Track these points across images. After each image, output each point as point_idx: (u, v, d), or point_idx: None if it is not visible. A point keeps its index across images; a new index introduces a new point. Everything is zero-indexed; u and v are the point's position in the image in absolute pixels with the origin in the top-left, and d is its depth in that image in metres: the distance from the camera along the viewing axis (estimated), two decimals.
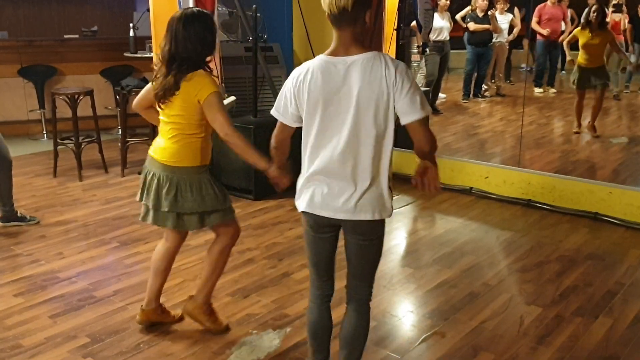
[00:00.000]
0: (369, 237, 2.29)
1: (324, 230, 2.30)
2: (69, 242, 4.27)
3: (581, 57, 6.54)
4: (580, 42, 6.46)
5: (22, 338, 3.03)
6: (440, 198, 5.19)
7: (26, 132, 7.37)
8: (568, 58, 6.88)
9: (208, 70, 2.80)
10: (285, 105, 2.26)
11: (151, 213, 2.91)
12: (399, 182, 5.54)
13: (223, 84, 5.10)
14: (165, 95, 2.73)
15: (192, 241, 4.24)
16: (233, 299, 3.44)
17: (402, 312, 3.35)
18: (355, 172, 2.17)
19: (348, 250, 2.34)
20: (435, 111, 7.62)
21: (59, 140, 5.77)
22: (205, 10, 2.82)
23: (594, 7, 6.57)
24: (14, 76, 7.17)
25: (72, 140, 5.73)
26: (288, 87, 2.24)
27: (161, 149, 2.84)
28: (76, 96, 5.63)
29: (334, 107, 2.15)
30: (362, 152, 2.16)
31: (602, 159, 6.25)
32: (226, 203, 2.92)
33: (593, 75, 6.48)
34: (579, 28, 6.50)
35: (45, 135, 7.34)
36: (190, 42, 2.68)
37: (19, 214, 4.57)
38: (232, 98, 4.26)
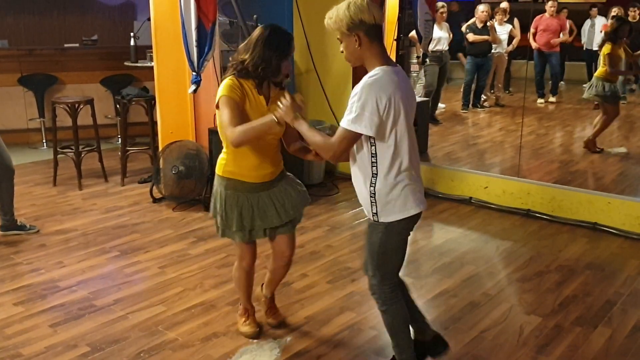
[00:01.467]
0: None
1: None
2: (69, 251, 4.27)
3: (613, 73, 6.32)
4: (611, 56, 6.23)
5: (22, 347, 3.02)
6: (439, 208, 5.20)
7: (26, 140, 7.39)
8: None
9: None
10: (371, 119, 2.30)
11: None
12: None
13: None
14: None
15: (193, 250, 4.25)
16: (233, 308, 3.43)
17: None
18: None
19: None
20: (435, 121, 7.65)
21: (59, 149, 5.78)
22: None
23: (618, 21, 6.52)
24: (14, 85, 7.19)
25: (72, 149, 5.74)
26: (381, 100, 2.29)
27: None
28: (77, 105, 5.64)
29: (410, 114, 2.42)
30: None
31: (601, 170, 6.27)
32: (228, 225, 2.86)
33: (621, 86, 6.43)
34: (611, 42, 6.22)
35: (45, 144, 7.35)
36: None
37: (18, 223, 4.57)
38: None
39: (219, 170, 2.84)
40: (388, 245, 2.50)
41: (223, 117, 2.64)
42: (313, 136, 2.46)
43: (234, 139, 2.59)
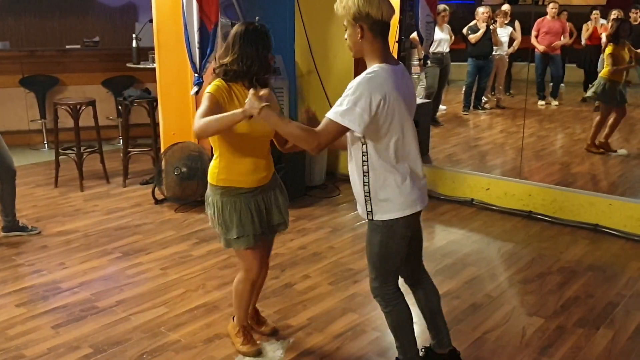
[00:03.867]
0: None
1: None
2: (70, 252, 4.27)
3: (621, 72, 6.33)
4: (614, 56, 6.25)
5: (24, 348, 3.02)
6: (441, 209, 5.20)
7: (27, 142, 7.39)
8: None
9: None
10: (360, 115, 2.26)
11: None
12: None
13: None
14: None
15: (195, 252, 4.25)
16: None
17: None
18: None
19: (417, 241, 2.68)
20: (436, 123, 7.65)
21: (60, 150, 5.78)
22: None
23: (618, 21, 6.52)
24: (15, 86, 7.20)
25: (73, 150, 5.74)
26: (375, 96, 2.26)
27: None
28: (78, 106, 5.65)
29: (409, 113, 2.41)
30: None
31: (602, 171, 6.28)
32: (229, 234, 2.76)
33: (621, 89, 6.42)
34: (613, 43, 6.25)
35: (46, 145, 7.35)
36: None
37: (20, 224, 4.57)
38: None
39: (212, 179, 2.76)
40: (388, 245, 2.48)
41: (198, 110, 2.59)
42: (287, 127, 2.32)
43: (196, 129, 2.51)
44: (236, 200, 2.73)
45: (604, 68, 6.39)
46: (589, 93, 6.62)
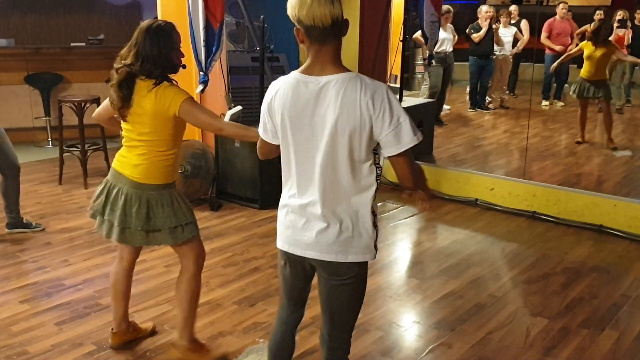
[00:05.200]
0: (342, 277, 2.04)
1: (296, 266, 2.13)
2: (74, 249, 4.27)
3: (584, 69, 6.59)
4: (585, 54, 6.50)
5: (28, 345, 3.03)
6: (445, 209, 5.20)
7: (31, 139, 7.39)
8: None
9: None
10: (264, 122, 2.07)
11: (116, 230, 2.71)
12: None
13: (230, 94, 5.12)
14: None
15: None
16: (239, 307, 3.44)
17: (409, 323, 3.35)
18: (330, 206, 1.95)
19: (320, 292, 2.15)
20: (440, 123, 7.65)
21: (64, 148, 5.79)
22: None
23: (600, 21, 6.63)
24: (20, 83, 7.21)
25: (78, 147, 5.75)
26: (264, 103, 2.05)
27: (131, 165, 2.70)
28: (83, 104, 5.65)
29: (304, 132, 1.93)
30: (338, 185, 1.94)
31: (607, 172, 6.26)
32: (194, 217, 2.81)
33: (594, 87, 6.52)
34: (585, 41, 6.54)
35: (50, 142, 7.36)
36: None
37: (24, 221, 4.58)
38: (239, 108, 4.28)
39: (167, 178, 2.75)
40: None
41: (203, 113, 2.67)
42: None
43: (224, 128, 2.86)
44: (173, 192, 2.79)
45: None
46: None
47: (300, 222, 2.01)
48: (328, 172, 1.93)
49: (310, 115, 1.91)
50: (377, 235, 2.03)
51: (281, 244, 2.12)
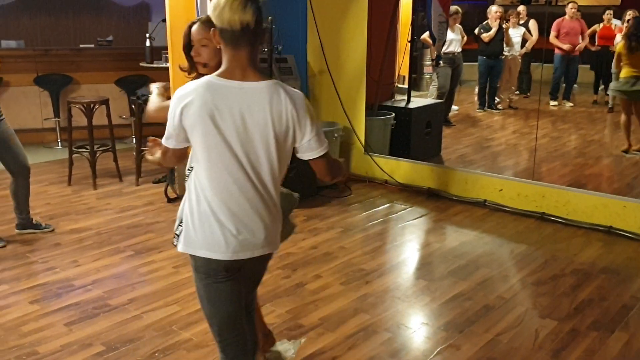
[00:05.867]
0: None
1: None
2: (83, 250, 4.29)
3: (629, 70, 6.31)
4: (628, 55, 6.27)
5: (38, 345, 3.04)
6: (454, 210, 5.18)
7: (41, 140, 7.44)
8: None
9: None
10: (173, 129, 2.00)
11: None
12: (412, 194, 5.57)
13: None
14: None
15: None
16: None
17: (417, 325, 3.34)
18: (252, 207, 2.00)
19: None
20: (448, 123, 7.64)
21: (74, 149, 5.82)
22: None
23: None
24: (30, 85, 7.26)
25: (87, 148, 5.77)
26: (172, 110, 1.96)
27: None
28: (92, 105, 5.68)
29: (228, 136, 1.93)
30: (254, 188, 1.99)
31: (616, 173, 6.23)
32: None
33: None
34: (623, 41, 6.32)
35: (59, 143, 7.40)
36: None
37: (34, 222, 4.61)
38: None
39: None
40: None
41: None
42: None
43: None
44: None
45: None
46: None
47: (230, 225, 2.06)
48: (246, 178, 1.98)
49: (240, 120, 1.92)
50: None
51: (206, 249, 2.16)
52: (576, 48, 7.91)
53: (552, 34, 7.91)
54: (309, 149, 2.03)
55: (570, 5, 7.90)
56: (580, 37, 8.00)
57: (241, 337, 2.20)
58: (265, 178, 2.00)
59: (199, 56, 2.41)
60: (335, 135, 5.67)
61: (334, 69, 5.83)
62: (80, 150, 5.87)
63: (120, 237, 4.49)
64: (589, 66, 8.28)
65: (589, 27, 8.05)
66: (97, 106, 5.72)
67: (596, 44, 8.02)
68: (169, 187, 5.36)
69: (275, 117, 1.94)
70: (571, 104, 8.30)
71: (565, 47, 7.86)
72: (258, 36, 1.95)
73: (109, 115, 5.80)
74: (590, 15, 8.18)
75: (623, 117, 6.49)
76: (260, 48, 2.01)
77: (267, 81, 1.95)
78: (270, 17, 5.26)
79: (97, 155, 5.82)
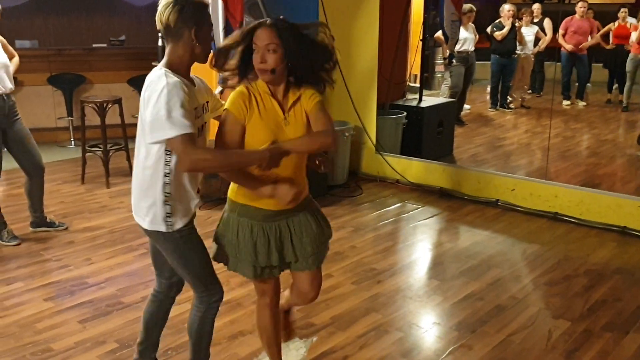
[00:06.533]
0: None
1: None
2: (96, 248, 4.32)
3: None
4: None
5: (52, 342, 3.07)
6: (466, 210, 5.16)
7: (54, 139, 7.50)
8: None
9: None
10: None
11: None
12: (424, 193, 5.55)
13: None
14: None
15: None
16: None
17: (429, 324, 3.33)
18: (136, 182, 2.34)
19: None
20: (460, 122, 7.61)
21: (87, 148, 5.86)
22: None
23: None
24: (43, 84, 7.32)
25: (100, 147, 5.81)
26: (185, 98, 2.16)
27: None
28: (105, 104, 5.72)
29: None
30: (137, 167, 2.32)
31: (630, 173, 6.18)
32: (237, 255, 2.43)
33: None
34: None
35: (73, 142, 7.46)
36: None
37: (48, 220, 4.65)
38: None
39: (231, 193, 2.41)
40: None
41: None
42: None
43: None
44: (254, 224, 2.34)
45: None
46: None
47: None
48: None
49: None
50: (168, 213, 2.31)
51: None
52: (580, 46, 7.84)
53: (560, 32, 7.87)
54: (149, 130, 2.17)
55: (580, 4, 7.84)
56: (589, 36, 7.94)
57: None
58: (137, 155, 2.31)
59: (265, 63, 2.19)
60: (347, 134, 5.67)
61: (345, 67, 5.82)
62: (93, 149, 5.91)
63: (133, 236, 4.52)
64: (602, 65, 8.22)
65: (603, 26, 7.99)
66: (110, 105, 5.75)
67: (611, 42, 7.96)
68: None
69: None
70: (584, 103, 8.24)
71: (568, 47, 7.81)
72: (177, 36, 2.23)
73: (121, 115, 5.84)
74: (604, 14, 8.12)
75: None
76: (193, 44, 2.24)
77: (155, 68, 2.27)
78: (281, 17, 5.27)
79: (110, 154, 5.86)
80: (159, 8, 2.21)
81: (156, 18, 2.22)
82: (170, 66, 2.23)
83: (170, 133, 2.09)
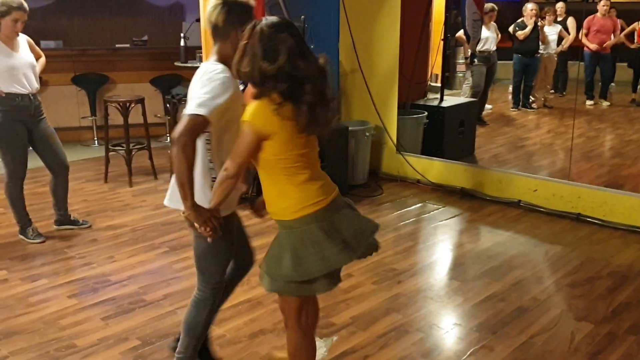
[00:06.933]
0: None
1: None
2: (119, 246, 4.37)
3: None
4: None
5: (76, 338, 3.12)
6: (487, 211, 5.12)
7: (78, 138, 7.60)
8: None
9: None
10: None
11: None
12: (445, 193, 5.53)
13: None
14: None
15: None
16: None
17: (449, 325, 3.32)
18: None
19: None
20: (482, 122, 7.55)
21: (110, 147, 5.93)
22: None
23: None
24: (67, 84, 7.42)
25: (123, 147, 5.88)
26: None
27: None
28: (128, 104, 5.78)
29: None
30: None
31: None
32: (301, 273, 2.20)
33: None
34: None
35: (96, 141, 7.55)
36: None
37: (72, 218, 4.71)
38: None
39: (289, 215, 2.19)
40: None
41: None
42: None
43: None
44: (313, 227, 2.17)
45: None
46: None
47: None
48: None
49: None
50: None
51: None
52: (604, 45, 7.74)
53: (583, 31, 7.78)
54: None
55: (602, 2, 7.73)
56: (612, 35, 7.83)
57: None
58: None
59: None
60: (367, 134, 5.66)
61: (366, 67, 5.82)
62: (116, 148, 5.98)
63: (156, 234, 4.56)
64: (626, 64, 8.10)
65: (628, 25, 7.87)
66: (132, 105, 5.82)
67: (635, 41, 7.84)
68: None
69: None
70: (608, 103, 8.13)
71: (592, 46, 7.71)
72: (221, 35, 2.37)
73: (144, 114, 5.90)
74: (628, 12, 8.00)
75: None
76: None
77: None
78: (302, 16, 5.28)
79: (133, 153, 5.92)
80: (208, 8, 2.36)
81: (205, 18, 2.41)
82: (222, 62, 2.35)
83: (196, 109, 2.19)
